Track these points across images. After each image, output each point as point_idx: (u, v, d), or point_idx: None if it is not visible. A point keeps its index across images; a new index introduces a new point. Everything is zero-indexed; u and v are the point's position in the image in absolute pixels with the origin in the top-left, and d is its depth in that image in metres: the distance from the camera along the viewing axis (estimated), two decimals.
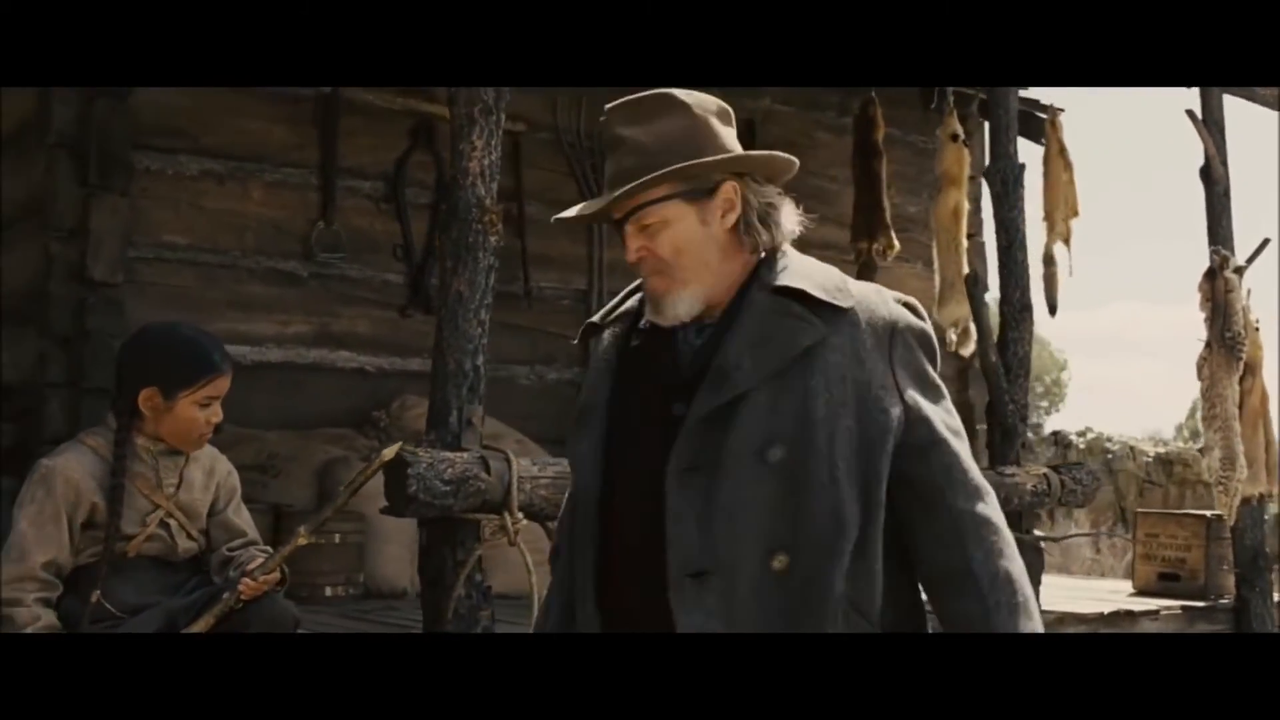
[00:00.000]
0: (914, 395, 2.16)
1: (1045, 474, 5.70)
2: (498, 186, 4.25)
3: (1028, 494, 5.59)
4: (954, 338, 7.09)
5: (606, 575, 2.19)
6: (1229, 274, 6.47)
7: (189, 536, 3.41)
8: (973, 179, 7.83)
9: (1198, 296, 6.52)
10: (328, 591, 6.10)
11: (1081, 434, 14.31)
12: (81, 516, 3.27)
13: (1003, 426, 5.74)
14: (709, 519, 2.07)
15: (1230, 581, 6.99)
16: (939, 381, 2.24)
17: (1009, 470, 5.61)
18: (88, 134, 6.54)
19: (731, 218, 2.20)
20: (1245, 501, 6.58)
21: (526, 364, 7.94)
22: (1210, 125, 6.88)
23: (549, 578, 2.43)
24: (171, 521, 3.37)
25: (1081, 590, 7.66)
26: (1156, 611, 6.54)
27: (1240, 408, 6.46)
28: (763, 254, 2.23)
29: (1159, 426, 28.84)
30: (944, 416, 2.19)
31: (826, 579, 2.06)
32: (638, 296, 2.33)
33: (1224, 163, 6.90)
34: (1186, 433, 25.64)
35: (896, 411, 2.13)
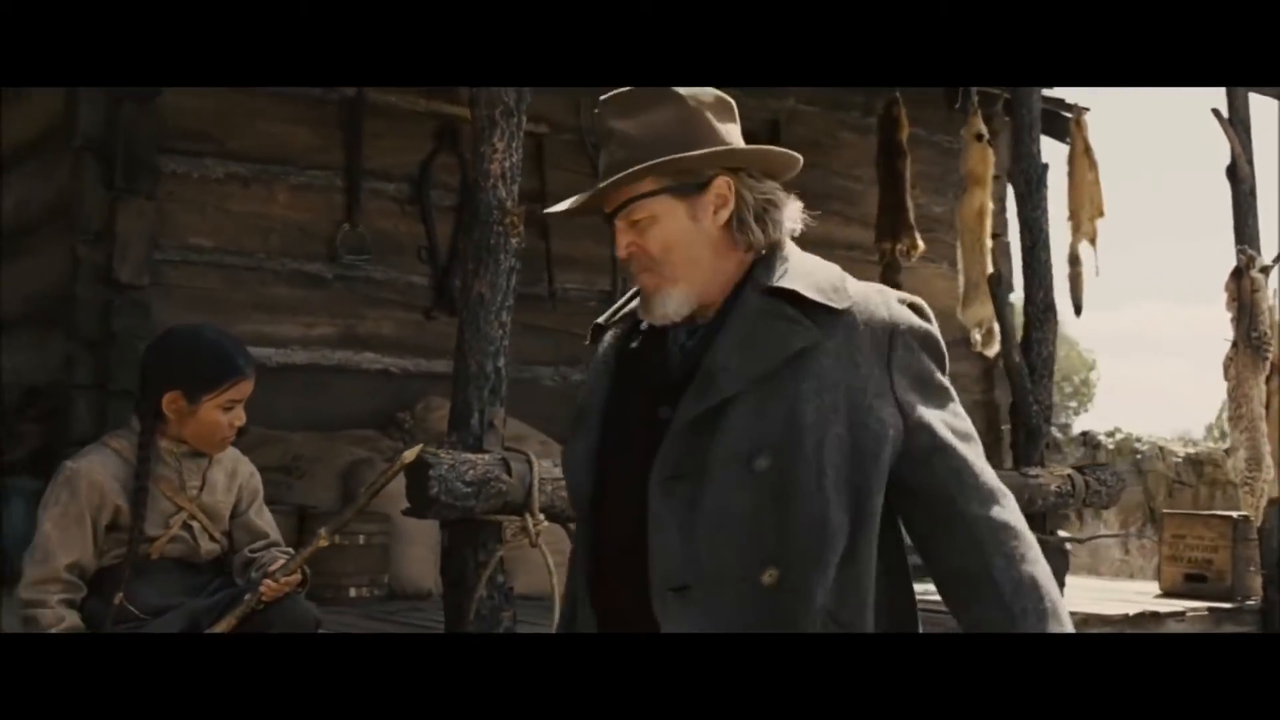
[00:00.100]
0: (913, 401, 2.05)
1: (1069, 475, 5.68)
2: (521, 188, 4.26)
3: (1052, 495, 5.58)
4: (978, 338, 7.08)
5: (599, 578, 2.15)
6: (1255, 273, 6.44)
7: (211, 538, 3.42)
8: (997, 179, 7.81)
9: (1224, 296, 6.49)
10: (352, 593, 6.13)
11: (1110, 434, 14.21)
12: (105, 518, 3.29)
13: (1027, 427, 5.73)
14: (692, 528, 2.00)
15: (1257, 583, 6.95)
16: (945, 384, 2.12)
17: (1033, 471, 5.60)
18: (114, 138, 6.60)
19: (724, 214, 2.11)
20: (1272, 502, 6.55)
21: (550, 365, 7.95)
22: (1236, 124, 6.85)
23: None
24: (194, 523, 3.39)
25: (1108, 592, 7.62)
26: (1183, 613, 6.50)
27: (1266, 408, 6.42)
28: (760, 252, 2.14)
29: (1188, 427, 28.65)
30: (949, 420, 2.08)
31: (809, 590, 1.98)
32: None
33: (1250, 162, 6.86)
34: (1216, 433, 25.46)
35: (892, 419, 2.03)
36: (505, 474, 4.04)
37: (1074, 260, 7.30)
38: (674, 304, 2.11)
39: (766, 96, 8.37)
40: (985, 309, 6.92)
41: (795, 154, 2.19)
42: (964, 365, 8.97)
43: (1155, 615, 6.37)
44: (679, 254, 2.10)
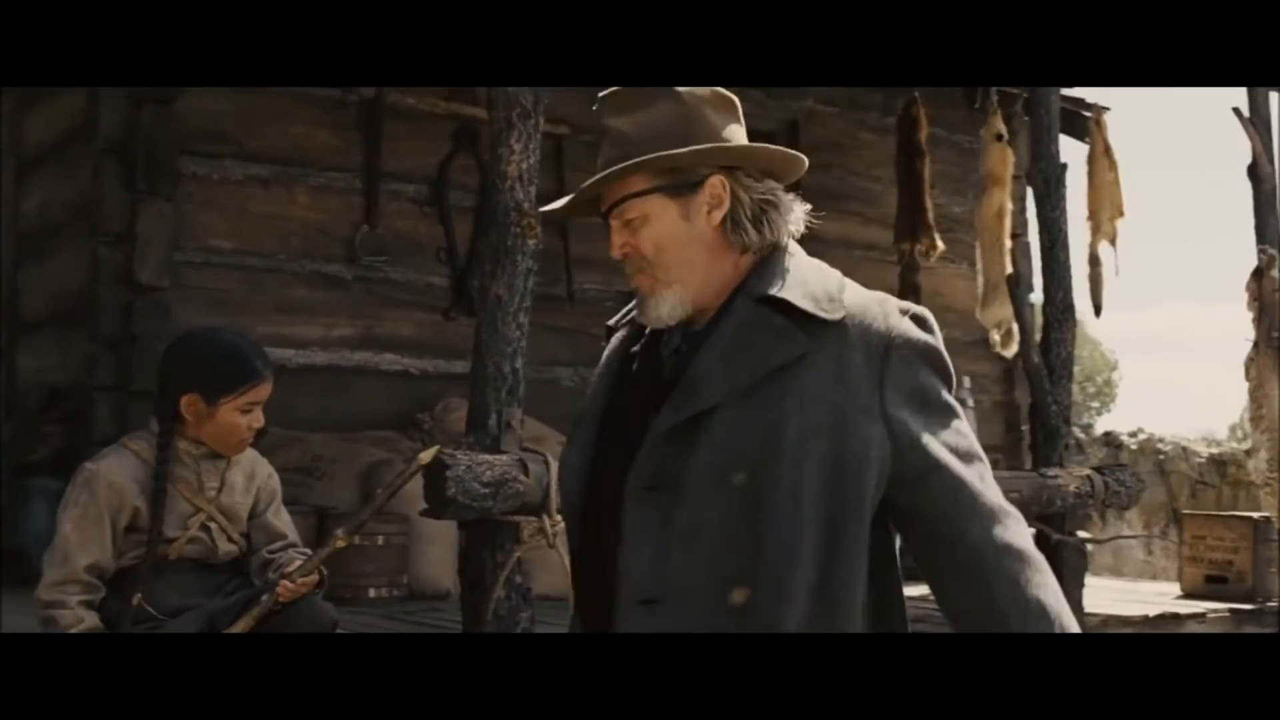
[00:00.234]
0: (905, 418, 1.92)
1: (1089, 476, 5.66)
2: (540, 189, 4.26)
3: (1070, 496, 5.56)
4: (996, 339, 7.06)
5: (584, 584, 2.10)
6: (1275, 273, 6.41)
7: (229, 539, 3.44)
8: (1017, 179, 7.79)
9: (1245, 296, 6.47)
10: (371, 593, 6.15)
11: (1133, 435, 14.16)
12: (124, 520, 3.30)
13: (1046, 428, 5.71)
14: (665, 542, 1.91)
15: (1278, 584, 6.92)
16: (947, 401, 1.98)
17: (1052, 472, 5.58)
18: (135, 140, 6.64)
19: (718, 215, 2.01)
20: None
21: (569, 366, 7.96)
22: (1257, 123, 6.83)
23: None
24: (212, 524, 3.40)
25: (1129, 593, 7.60)
26: (1203, 614, 6.48)
27: None
28: (761, 255, 2.05)
29: (1212, 427, 28.55)
30: (947, 439, 1.94)
31: (774, 617, 1.87)
32: None
33: (1271, 161, 6.84)
34: (1240, 433, 25.35)
35: (877, 438, 1.90)
36: (522, 475, 4.04)
37: (1094, 261, 7.28)
38: (668, 307, 2.03)
39: (785, 97, 8.38)
40: (1004, 310, 6.90)
41: (796, 153, 2.09)
42: (983, 366, 8.95)
43: (1175, 616, 6.35)
44: (672, 255, 2.02)
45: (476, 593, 4.07)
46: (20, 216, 7.99)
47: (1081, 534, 6.05)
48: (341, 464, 6.66)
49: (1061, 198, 5.91)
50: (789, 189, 2.13)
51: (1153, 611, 6.34)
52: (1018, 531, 1.93)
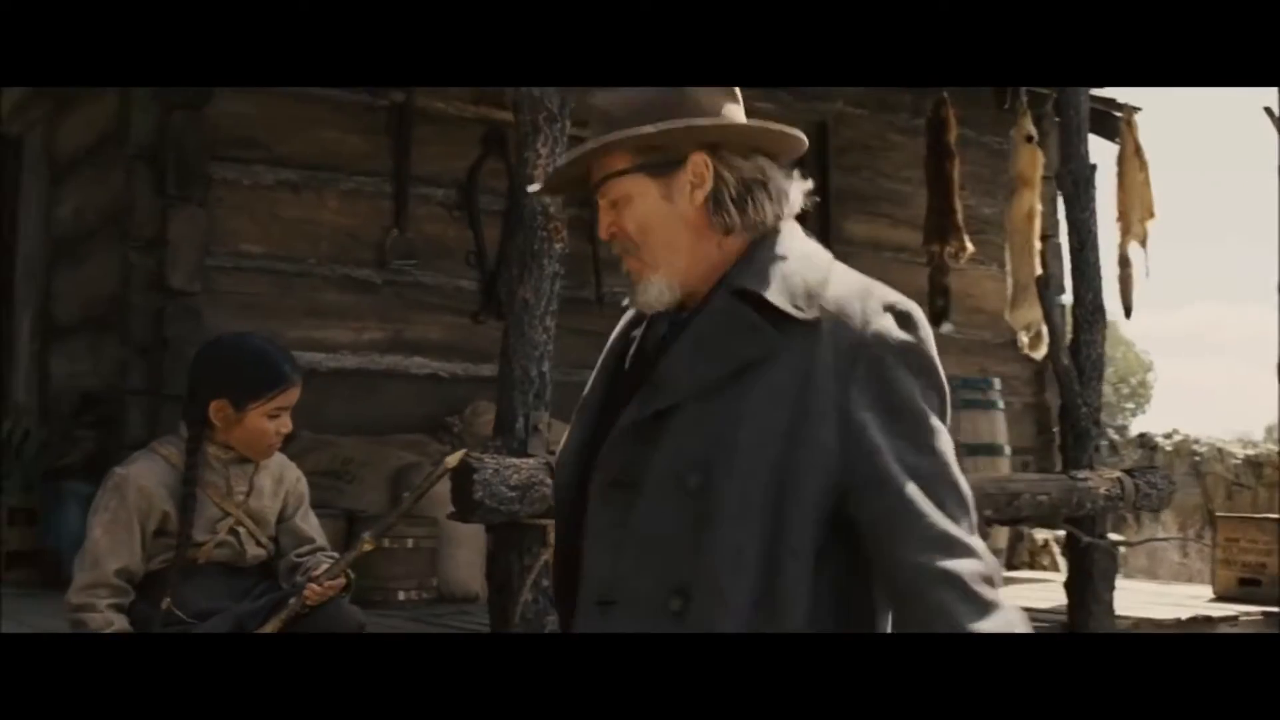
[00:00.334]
0: (865, 422, 1.79)
1: (1119, 478, 5.62)
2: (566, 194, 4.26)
3: (1101, 498, 5.52)
4: (1025, 340, 7.03)
5: (560, 581, 2.04)
6: None
7: (258, 543, 3.45)
8: (1047, 179, 7.75)
9: (1275, 297, 6.42)
10: (401, 596, 6.17)
11: (1168, 436, 14.08)
12: (153, 524, 3.33)
13: (1075, 430, 5.68)
14: (622, 542, 1.85)
15: None
16: (919, 407, 1.82)
17: (1082, 474, 5.54)
18: (165, 145, 6.69)
19: (700, 194, 1.92)
20: None
21: None
22: None
23: None
24: (241, 529, 3.42)
25: (1162, 595, 7.55)
26: (1235, 617, 6.43)
27: None
28: (753, 238, 1.95)
29: (1248, 428, 28.35)
30: (903, 451, 1.79)
31: (714, 628, 1.78)
32: None
33: None
34: (1276, 434, 25.18)
35: (831, 442, 1.79)
36: (549, 478, 4.04)
37: (1124, 262, 7.24)
38: (654, 292, 1.94)
39: (814, 99, 8.35)
40: (1034, 311, 6.87)
41: (786, 129, 1.98)
42: (1014, 367, 8.92)
43: (1208, 619, 6.31)
44: (654, 237, 1.93)
45: (504, 595, 4.08)
46: (54, 222, 8.06)
47: (1114, 536, 6.01)
48: (371, 467, 6.68)
49: (1091, 199, 5.87)
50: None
51: (1185, 614, 6.29)
52: (964, 558, 1.76)
